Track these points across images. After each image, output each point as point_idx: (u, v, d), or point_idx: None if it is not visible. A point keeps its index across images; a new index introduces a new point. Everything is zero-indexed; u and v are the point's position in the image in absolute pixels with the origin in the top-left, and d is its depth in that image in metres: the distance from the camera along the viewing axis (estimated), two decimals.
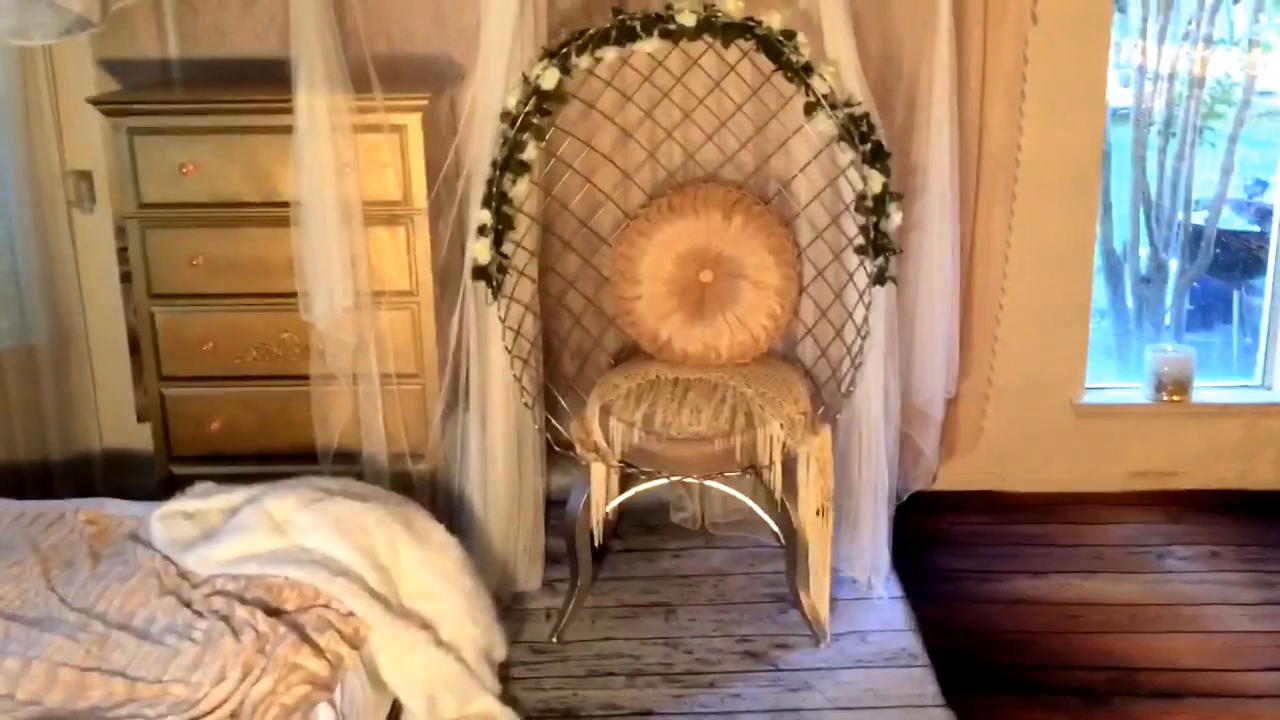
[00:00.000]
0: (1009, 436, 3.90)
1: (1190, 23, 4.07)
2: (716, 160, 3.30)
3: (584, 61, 2.89)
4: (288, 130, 3.04)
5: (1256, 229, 4.68)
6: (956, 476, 3.90)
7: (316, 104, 3.01)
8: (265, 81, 3.26)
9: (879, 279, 2.96)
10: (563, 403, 3.30)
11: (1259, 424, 3.95)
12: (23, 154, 3.48)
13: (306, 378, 3.24)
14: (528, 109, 2.89)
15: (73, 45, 3.38)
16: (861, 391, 3.14)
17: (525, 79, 2.91)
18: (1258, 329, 4.19)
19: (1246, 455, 3.94)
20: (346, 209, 3.09)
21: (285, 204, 3.11)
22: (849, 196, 3.01)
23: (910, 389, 3.50)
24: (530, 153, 2.93)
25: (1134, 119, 4.16)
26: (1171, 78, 4.13)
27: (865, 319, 3.03)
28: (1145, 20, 4.06)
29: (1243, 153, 4.30)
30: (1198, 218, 4.33)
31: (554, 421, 3.23)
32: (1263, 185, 4.70)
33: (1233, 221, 4.67)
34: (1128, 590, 3.44)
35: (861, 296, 3.03)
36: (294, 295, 3.15)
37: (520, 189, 2.96)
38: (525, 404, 3.15)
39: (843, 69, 2.95)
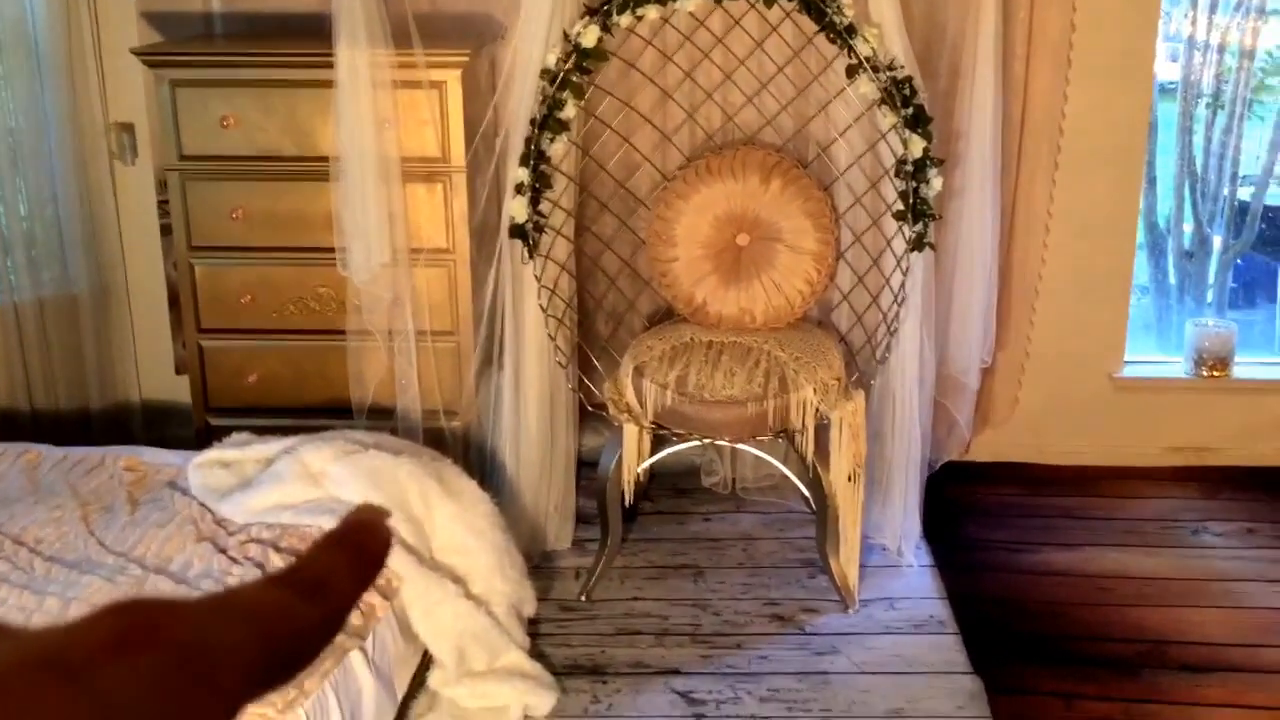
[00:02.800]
0: (1045, 408, 3.87)
1: None
2: (756, 123, 3.28)
3: (625, 20, 2.88)
4: (328, 85, 3.04)
5: None
6: (990, 447, 3.88)
7: (357, 59, 3.02)
8: (307, 36, 3.27)
9: (917, 245, 2.94)
10: (596, 363, 3.31)
11: None
12: (67, 105, 3.51)
13: (343, 333, 3.26)
14: (567, 67, 2.88)
15: None
16: (896, 358, 3.13)
17: (565, 36, 2.90)
18: None
19: None
20: (385, 165, 3.10)
21: (324, 159, 3.12)
22: (889, 162, 2.99)
23: (946, 357, 3.48)
24: (569, 111, 2.92)
25: (1181, 91, 4.10)
26: (1221, 49, 4.06)
27: (902, 285, 3.01)
28: None
29: None
30: (1244, 193, 4.26)
31: (587, 381, 3.24)
32: None
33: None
34: (1160, 564, 3.42)
35: (899, 263, 3.01)
36: (331, 250, 3.16)
37: (558, 148, 2.95)
38: (559, 363, 3.16)
39: (886, 32, 2.92)
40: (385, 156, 3.10)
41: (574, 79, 2.89)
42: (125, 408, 3.85)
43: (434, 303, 3.27)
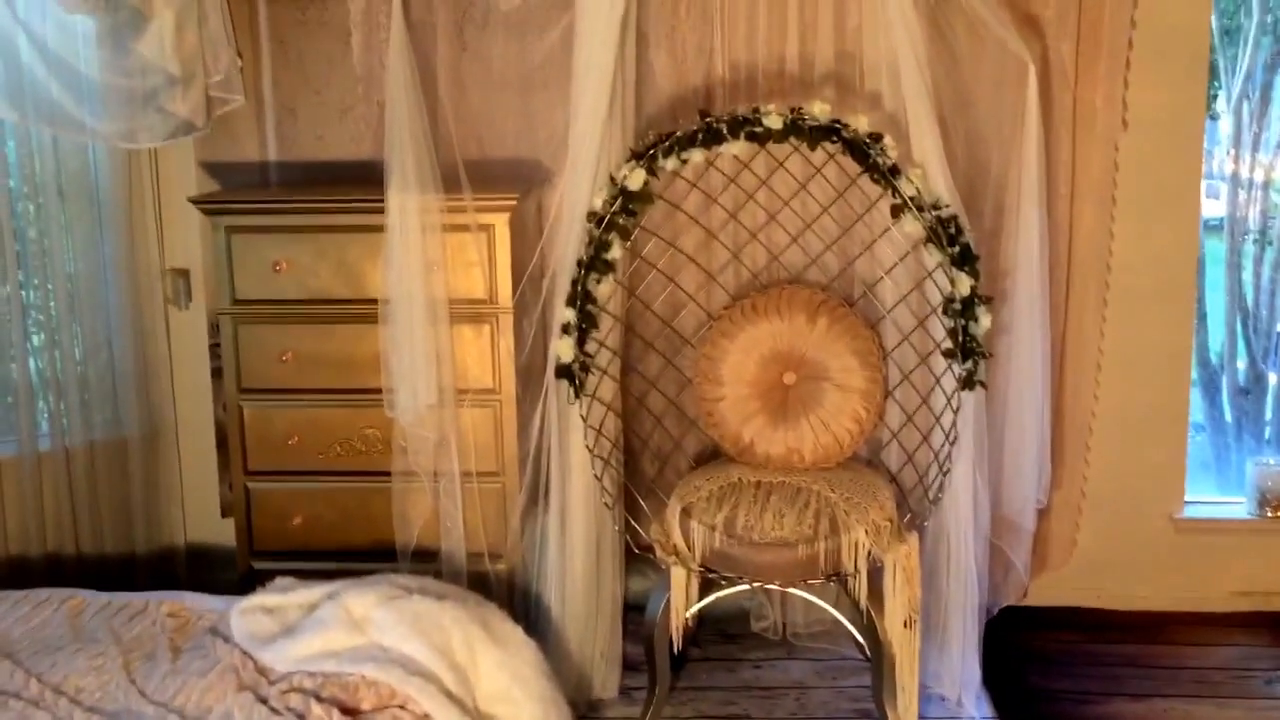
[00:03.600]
0: (1104, 551, 3.76)
1: None
2: (801, 262, 3.29)
3: (670, 163, 2.92)
4: (379, 229, 3.10)
5: None
6: (1049, 592, 3.76)
7: (407, 204, 3.07)
8: (359, 182, 3.35)
9: (968, 383, 2.90)
10: (643, 504, 3.26)
11: None
12: (125, 253, 3.59)
13: (388, 474, 3.24)
14: (614, 209, 2.91)
15: (177, 148, 3.51)
16: (949, 499, 3.06)
17: (612, 180, 2.94)
18: None
19: None
20: (433, 307, 3.12)
21: (373, 301, 3.15)
22: (935, 299, 2.97)
23: (1000, 498, 3.40)
24: (615, 252, 2.94)
25: (1228, 228, 4.08)
26: (1266, 186, 4.06)
27: (953, 424, 2.96)
28: (1239, 128, 4.01)
29: None
30: None
31: (634, 523, 3.19)
32: None
33: None
34: (1234, 716, 3.26)
35: (949, 401, 2.96)
36: (379, 391, 3.17)
37: (604, 288, 2.97)
38: (605, 504, 3.12)
39: (930, 171, 2.94)
40: (433, 298, 3.13)
41: (620, 221, 2.93)
42: (170, 551, 3.83)
43: (480, 443, 3.25)
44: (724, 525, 2.89)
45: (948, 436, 2.98)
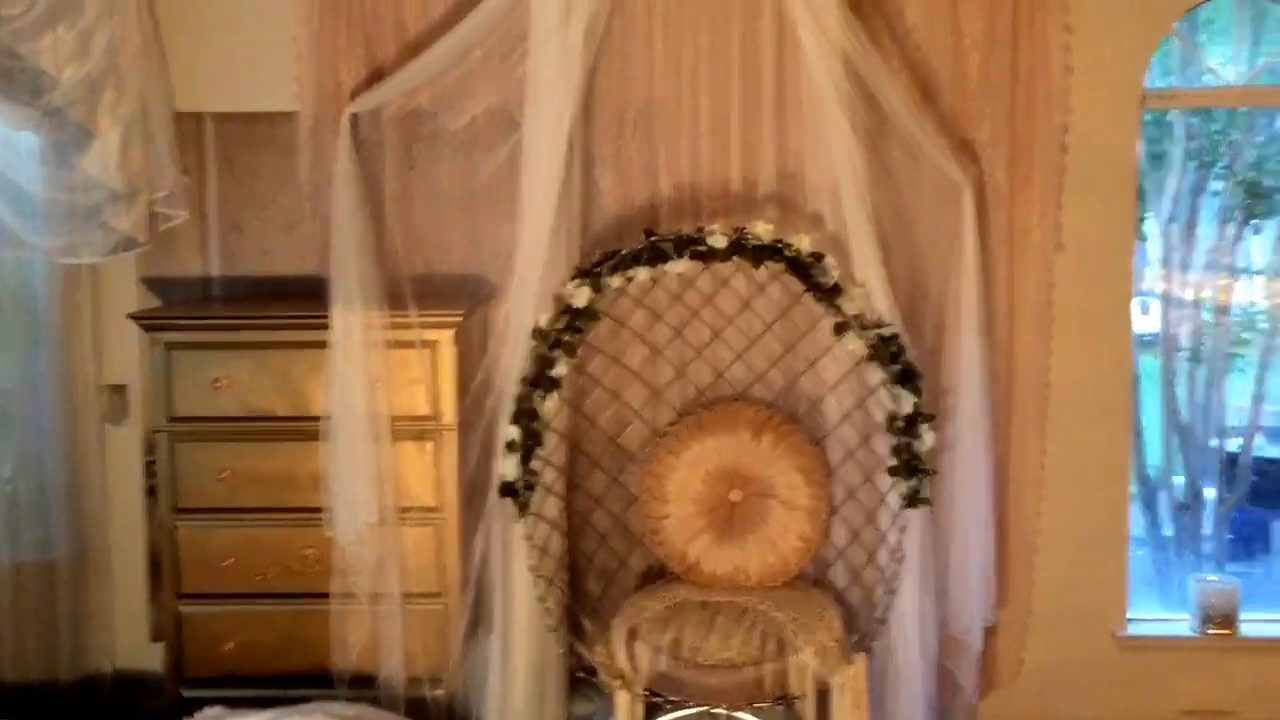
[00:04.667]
0: (1051, 669, 3.73)
1: (1211, 252, 4.13)
2: (746, 379, 3.31)
3: (615, 281, 2.94)
4: (322, 345, 3.08)
5: None
6: (998, 710, 3.72)
7: (351, 320, 3.06)
8: (306, 298, 3.33)
9: (913, 501, 2.91)
10: (586, 625, 3.20)
11: None
12: (60, 370, 3.53)
13: (326, 596, 3.16)
14: (559, 326, 2.92)
15: (118, 263, 3.48)
16: (896, 618, 3.04)
17: (558, 297, 2.96)
18: None
19: None
20: (375, 423, 3.09)
21: (315, 418, 3.11)
22: (879, 416, 2.99)
23: (947, 616, 3.38)
24: (561, 369, 2.94)
25: (1162, 346, 4.17)
26: (1196, 305, 4.16)
27: (899, 543, 2.96)
28: (1168, 249, 4.13)
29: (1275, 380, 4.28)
30: (1233, 444, 4.27)
31: (578, 645, 3.12)
32: None
33: (1270, 449, 4.60)
34: None
35: (895, 519, 2.96)
36: (318, 510, 3.12)
37: (550, 405, 2.96)
38: (549, 626, 3.06)
39: (871, 290, 2.99)
40: (375, 415, 3.10)
41: (566, 338, 2.93)
42: (98, 678, 3.69)
43: (421, 564, 3.19)
44: (670, 647, 2.85)
45: (893, 555, 2.97)
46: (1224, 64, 3.86)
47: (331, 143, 3.28)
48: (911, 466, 2.88)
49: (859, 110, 3.12)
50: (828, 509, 3.12)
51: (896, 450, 2.91)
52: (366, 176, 3.22)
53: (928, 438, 2.88)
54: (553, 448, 3.07)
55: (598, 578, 3.43)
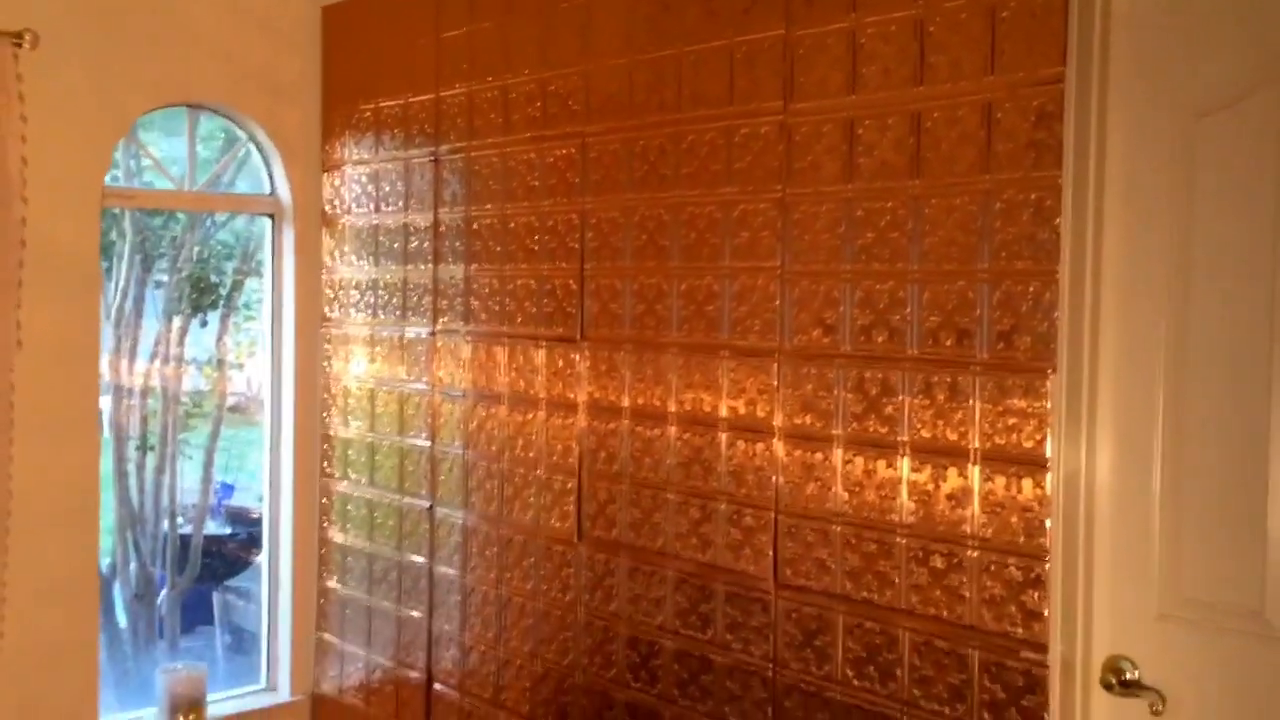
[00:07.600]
0: None
1: (158, 342, 4.20)
2: None
3: None
4: None
5: (230, 531, 4.87)
6: None
7: None
8: None
9: None
10: None
11: None
12: None
13: None
14: None
15: None
16: None
17: None
18: (240, 628, 4.29)
19: None
20: None
21: None
22: None
23: None
24: None
25: (114, 434, 4.11)
26: (145, 393, 4.19)
27: None
28: (119, 338, 4.10)
29: (223, 460, 4.49)
30: (186, 528, 4.38)
31: None
32: (230, 489, 4.94)
33: (216, 528, 4.81)
34: None
35: None
36: None
37: None
38: None
39: None
40: None
41: None
42: None
43: None
44: None
45: None
46: (166, 161, 3.90)
47: None
48: None
49: None
50: None
51: None
52: None
53: None
54: None
55: None
